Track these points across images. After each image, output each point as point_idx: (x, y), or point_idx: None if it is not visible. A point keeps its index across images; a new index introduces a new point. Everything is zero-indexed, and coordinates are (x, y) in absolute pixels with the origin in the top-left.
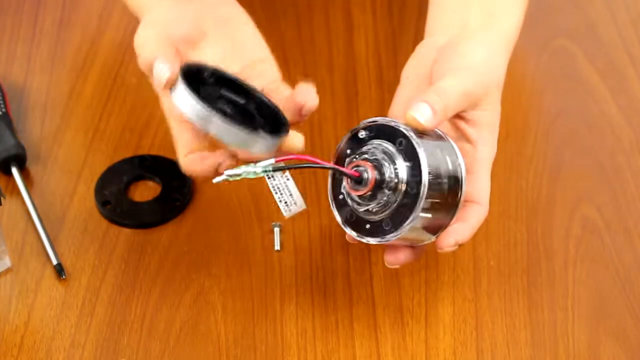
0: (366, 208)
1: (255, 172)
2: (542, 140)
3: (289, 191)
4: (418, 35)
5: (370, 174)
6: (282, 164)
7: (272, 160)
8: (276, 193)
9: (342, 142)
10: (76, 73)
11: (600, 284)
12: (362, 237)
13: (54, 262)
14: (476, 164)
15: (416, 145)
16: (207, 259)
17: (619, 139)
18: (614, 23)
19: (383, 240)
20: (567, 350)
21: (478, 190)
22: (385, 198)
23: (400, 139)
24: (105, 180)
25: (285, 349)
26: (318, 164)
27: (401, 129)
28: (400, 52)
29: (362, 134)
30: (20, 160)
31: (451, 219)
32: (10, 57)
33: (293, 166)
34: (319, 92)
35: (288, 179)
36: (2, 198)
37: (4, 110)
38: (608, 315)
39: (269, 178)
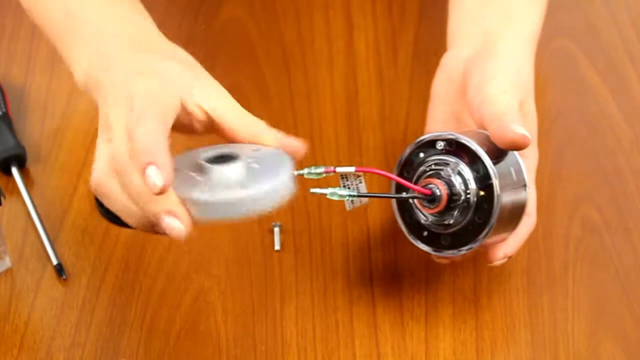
0: (442, 222)
1: (340, 195)
2: (543, 140)
3: (358, 191)
4: (418, 35)
5: (442, 190)
6: (365, 192)
7: (353, 169)
8: (346, 186)
9: (403, 157)
10: None
11: (600, 284)
12: (438, 252)
13: (54, 262)
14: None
15: (484, 158)
16: (207, 259)
17: (619, 139)
18: (614, 23)
19: (459, 252)
20: (567, 350)
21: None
22: (460, 210)
23: (462, 149)
24: None
25: (285, 349)
26: (402, 183)
27: (467, 143)
28: (400, 52)
29: (420, 153)
30: (20, 160)
31: (517, 224)
32: (10, 57)
33: (374, 195)
34: (319, 92)
35: (360, 182)
36: (2, 198)
37: (4, 110)
38: (608, 315)
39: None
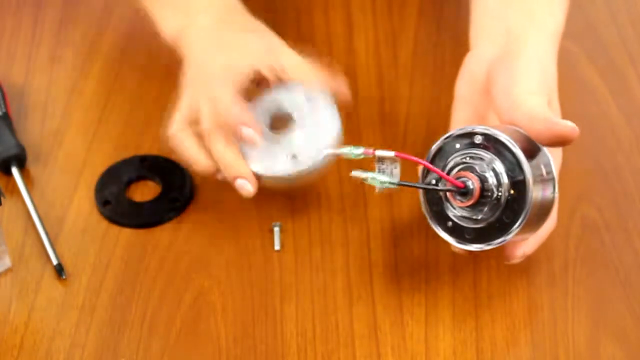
0: (469, 216)
1: (380, 182)
2: None
3: (392, 175)
4: (418, 35)
5: (475, 184)
6: (399, 179)
7: (392, 153)
8: (379, 172)
9: (433, 150)
10: (76, 73)
11: (600, 284)
12: (465, 245)
13: (54, 262)
14: None
15: (519, 156)
16: (207, 259)
17: (619, 139)
18: (614, 23)
19: (488, 247)
20: (567, 350)
21: None
22: (489, 206)
23: (497, 145)
24: (105, 180)
25: (285, 349)
26: (440, 176)
27: (503, 139)
28: (401, 52)
29: (457, 144)
30: (20, 160)
31: (542, 224)
32: (10, 57)
33: (410, 184)
34: None
35: (395, 168)
36: (2, 198)
37: (4, 110)
38: (608, 315)
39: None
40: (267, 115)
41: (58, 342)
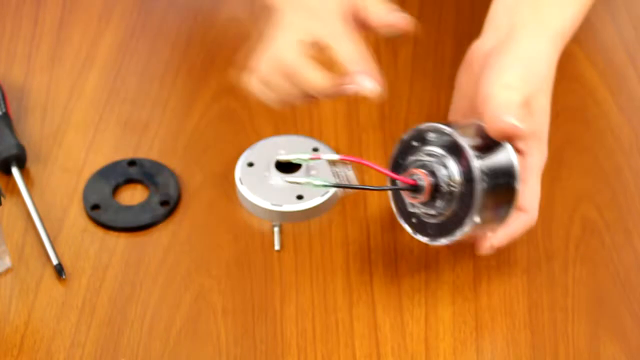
0: (429, 212)
1: (315, 185)
2: None
3: (348, 180)
4: (418, 35)
5: (425, 181)
6: (338, 182)
7: (337, 157)
8: (335, 178)
9: (394, 153)
10: (76, 73)
11: (600, 284)
12: (429, 240)
13: (54, 262)
14: (524, 172)
15: (465, 150)
16: (207, 259)
17: (618, 139)
18: (614, 23)
19: (448, 241)
20: (567, 350)
21: (525, 197)
22: (444, 201)
23: (450, 143)
24: (92, 185)
25: (285, 349)
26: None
27: (448, 132)
28: (401, 52)
29: (413, 142)
30: (20, 160)
31: (505, 217)
32: (10, 57)
33: (347, 186)
34: None
35: (349, 170)
36: (2, 198)
37: (4, 110)
38: (608, 315)
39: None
40: (274, 155)
41: (58, 342)
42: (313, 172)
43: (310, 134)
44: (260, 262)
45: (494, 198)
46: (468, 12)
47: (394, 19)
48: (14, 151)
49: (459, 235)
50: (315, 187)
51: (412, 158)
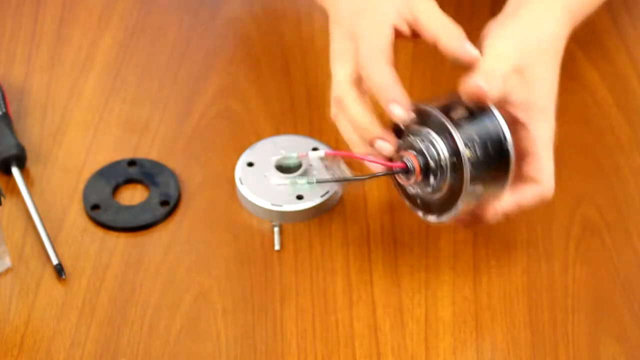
0: (427, 190)
1: (300, 184)
2: None
3: (341, 170)
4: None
5: (414, 161)
6: (326, 177)
7: (322, 153)
8: (329, 171)
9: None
10: (76, 73)
11: (600, 284)
12: (436, 217)
13: (54, 262)
14: (532, 144)
15: (445, 120)
16: (207, 259)
17: (618, 139)
18: (614, 23)
19: (451, 214)
20: (567, 350)
21: (536, 169)
22: (437, 177)
23: (433, 119)
24: (92, 185)
25: (285, 349)
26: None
27: (429, 109)
28: (401, 52)
29: (401, 126)
30: (20, 160)
31: (505, 181)
32: (10, 57)
33: (336, 179)
34: (319, 92)
35: (340, 164)
36: (2, 198)
37: (4, 110)
38: (608, 315)
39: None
40: (274, 155)
41: (58, 342)
42: (315, 172)
43: (310, 134)
44: (260, 262)
45: (486, 164)
46: (468, 12)
47: (464, 53)
48: (14, 151)
49: (460, 206)
50: (300, 185)
51: (399, 141)
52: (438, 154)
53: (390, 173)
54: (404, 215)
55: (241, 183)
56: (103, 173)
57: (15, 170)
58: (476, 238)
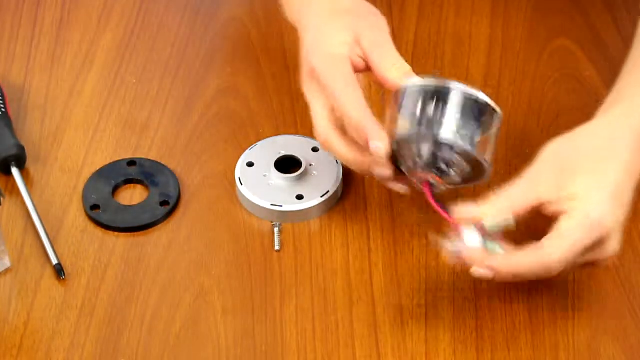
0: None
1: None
2: (543, 140)
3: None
4: (418, 35)
5: (436, 180)
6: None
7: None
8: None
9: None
10: (76, 73)
11: (600, 284)
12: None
13: (54, 262)
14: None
15: (439, 136)
16: (207, 259)
17: None
18: (614, 23)
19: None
20: (567, 350)
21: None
22: (454, 170)
23: (422, 134)
24: (92, 185)
25: (285, 349)
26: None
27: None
28: (400, 52)
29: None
30: (20, 160)
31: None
32: (10, 57)
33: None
34: None
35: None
36: (2, 198)
37: (3, 110)
38: (608, 315)
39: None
40: (274, 155)
41: (58, 342)
42: (313, 172)
43: (310, 134)
44: (260, 262)
45: (477, 126)
46: (468, 12)
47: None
48: (13, 151)
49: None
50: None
51: (409, 164)
52: (450, 162)
53: (439, 208)
54: (404, 215)
55: (241, 183)
56: (103, 173)
57: (15, 170)
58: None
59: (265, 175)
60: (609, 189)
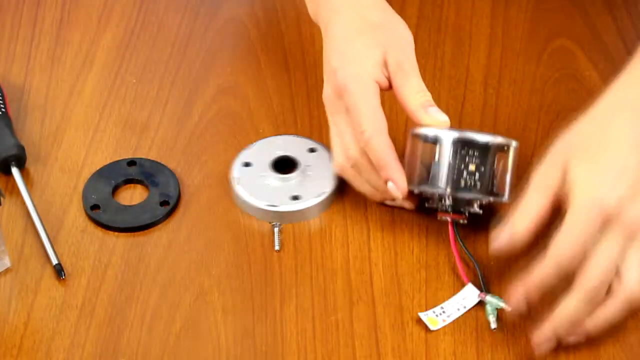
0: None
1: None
2: (543, 140)
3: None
4: (417, 36)
5: (460, 218)
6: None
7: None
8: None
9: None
10: (76, 73)
11: None
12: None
13: (54, 262)
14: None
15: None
16: (207, 259)
17: None
18: (614, 23)
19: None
20: (567, 350)
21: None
22: (475, 190)
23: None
24: (92, 185)
25: (285, 349)
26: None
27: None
28: None
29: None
30: (20, 160)
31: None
32: (10, 57)
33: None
34: (319, 92)
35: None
36: (2, 198)
37: (3, 110)
38: None
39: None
40: (271, 155)
41: (58, 342)
42: (310, 173)
43: (310, 135)
44: (260, 262)
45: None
46: (468, 12)
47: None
48: (13, 151)
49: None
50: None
51: (429, 202)
52: (471, 201)
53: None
54: (404, 216)
55: (237, 183)
56: (103, 173)
57: (14, 170)
58: (476, 238)
59: (262, 176)
60: (607, 169)
